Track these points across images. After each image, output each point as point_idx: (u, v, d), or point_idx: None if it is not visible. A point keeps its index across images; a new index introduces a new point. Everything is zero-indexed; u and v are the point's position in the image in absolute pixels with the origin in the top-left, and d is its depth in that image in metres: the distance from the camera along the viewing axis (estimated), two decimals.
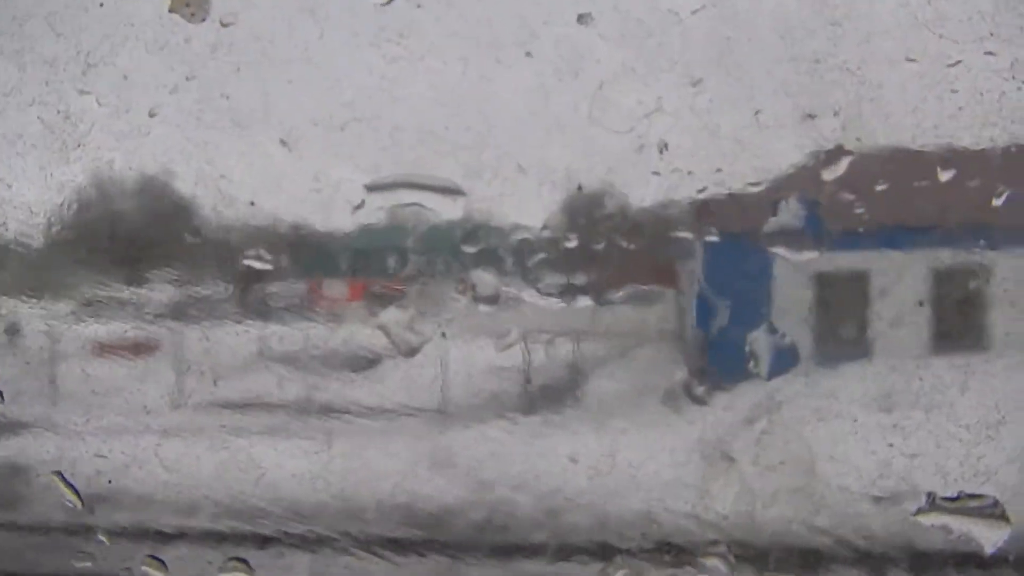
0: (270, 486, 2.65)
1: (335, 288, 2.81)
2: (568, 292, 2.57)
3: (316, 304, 2.79)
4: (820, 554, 2.31)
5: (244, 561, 2.66)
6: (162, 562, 2.68)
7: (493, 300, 2.54)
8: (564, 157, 2.48)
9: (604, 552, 2.41)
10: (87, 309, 2.77)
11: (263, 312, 2.71)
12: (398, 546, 2.60)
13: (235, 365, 2.73)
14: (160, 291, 2.72)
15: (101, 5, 2.55)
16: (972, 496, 2.16)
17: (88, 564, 2.72)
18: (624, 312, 2.64)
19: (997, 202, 2.25)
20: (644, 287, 2.64)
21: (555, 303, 2.55)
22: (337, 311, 2.75)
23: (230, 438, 2.70)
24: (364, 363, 2.67)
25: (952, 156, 2.29)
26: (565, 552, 2.52)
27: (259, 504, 2.65)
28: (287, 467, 2.67)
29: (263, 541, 2.67)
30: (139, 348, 2.79)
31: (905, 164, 2.35)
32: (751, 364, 2.41)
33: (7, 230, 2.71)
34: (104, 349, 2.80)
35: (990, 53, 2.27)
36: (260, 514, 2.64)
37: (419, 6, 2.47)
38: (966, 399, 2.32)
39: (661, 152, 2.41)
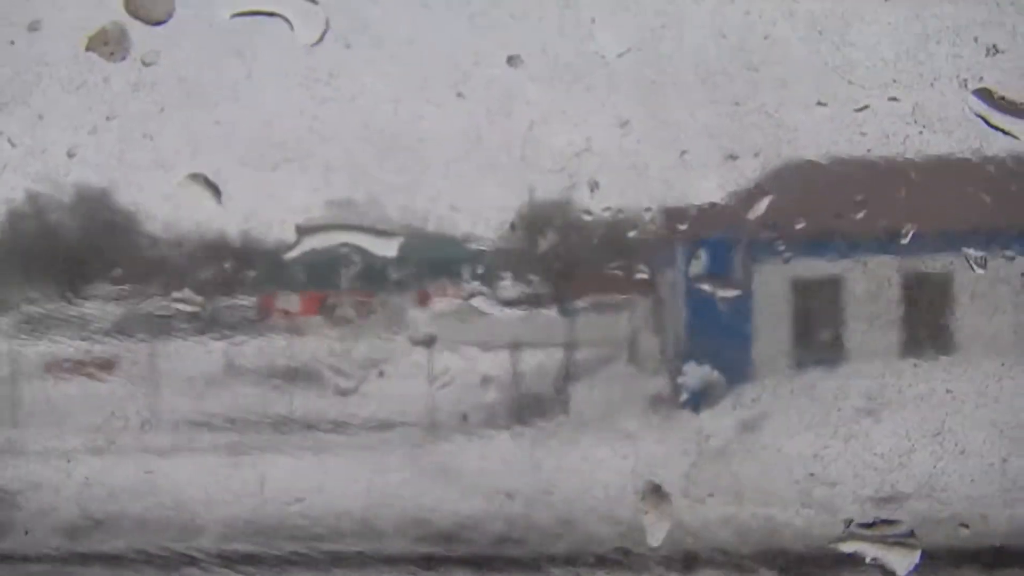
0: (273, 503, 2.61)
1: (289, 302, 2.77)
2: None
3: (269, 318, 2.75)
4: None
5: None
6: None
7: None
8: (497, 196, 2.52)
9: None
10: (26, 326, 2.66)
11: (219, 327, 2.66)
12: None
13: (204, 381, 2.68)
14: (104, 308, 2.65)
15: (12, 43, 2.43)
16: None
17: None
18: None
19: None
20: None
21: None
22: (293, 325, 2.72)
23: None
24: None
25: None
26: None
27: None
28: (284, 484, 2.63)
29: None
30: (98, 365, 2.69)
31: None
32: None
33: None
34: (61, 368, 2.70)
35: (894, 98, 2.43)
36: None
37: (348, 46, 2.46)
38: None
39: (592, 191, 2.49)
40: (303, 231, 2.50)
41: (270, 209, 2.51)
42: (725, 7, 2.45)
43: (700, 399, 2.54)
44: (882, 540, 2.22)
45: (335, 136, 2.49)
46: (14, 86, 2.46)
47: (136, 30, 2.41)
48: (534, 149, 2.48)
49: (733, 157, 2.47)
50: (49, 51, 2.43)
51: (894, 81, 2.43)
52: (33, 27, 2.43)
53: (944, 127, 2.40)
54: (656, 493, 2.45)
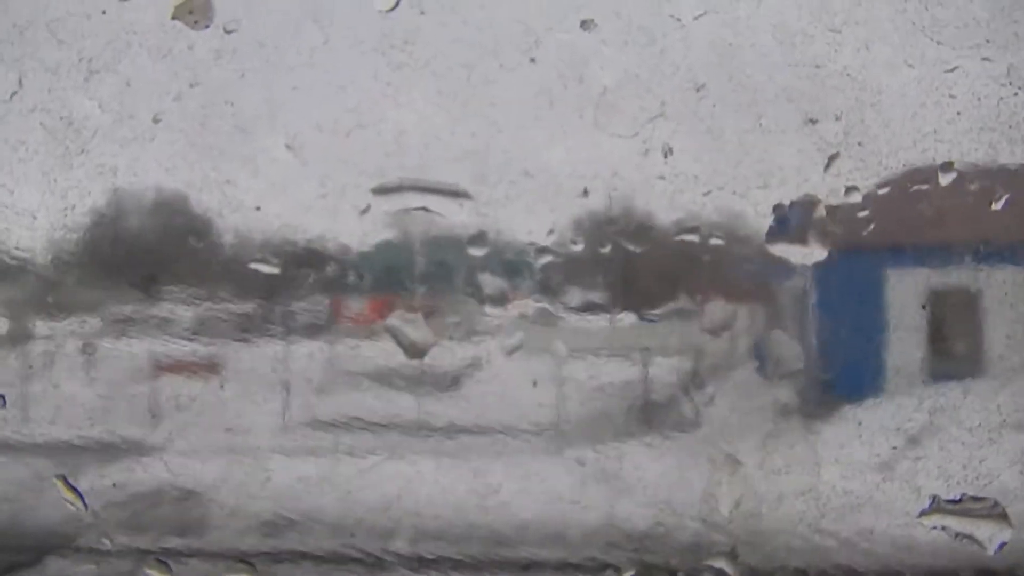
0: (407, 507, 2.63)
1: (356, 306, 2.79)
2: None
3: (337, 321, 2.77)
4: None
5: (249, 563, 2.69)
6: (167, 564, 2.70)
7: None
8: (569, 162, 2.50)
9: None
10: (117, 326, 2.76)
11: (293, 329, 2.71)
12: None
13: (316, 384, 2.72)
14: (184, 308, 2.71)
15: (103, 12, 2.54)
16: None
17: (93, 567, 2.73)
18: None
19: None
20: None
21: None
22: (363, 328, 2.74)
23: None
24: (447, 381, 2.66)
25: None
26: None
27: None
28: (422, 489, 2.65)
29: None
30: (201, 367, 2.76)
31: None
32: None
33: (10, 236, 2.70)
34: (166, 368, 2.77)
35: (987, 59, 2.32)
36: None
37: (423, 13, 2.49)
38: None
39: (666, 156, 2.45)
40: (377, 192, 2.54)
41: (344, 173, 2.55)
42: None
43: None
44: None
45: (409, 101, 2.52)
46: (105, 54, 2.57)
47: None
48: (607, 114, 2.46)
49: (813, 121, 2.39)
50: (137, 20, 2.54)
51: (987, 41, 2.32)
52: None
53: None
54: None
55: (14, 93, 2.61)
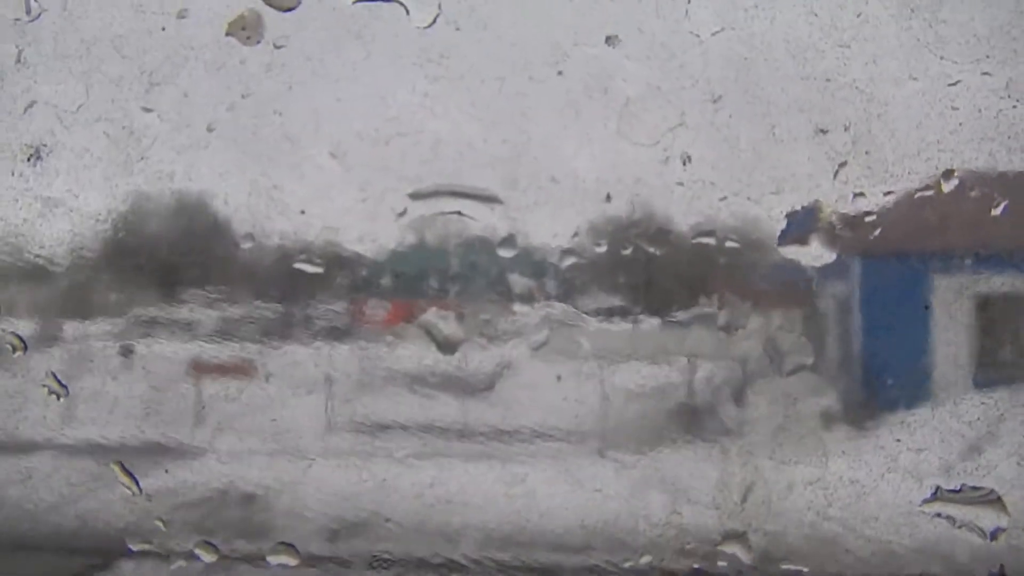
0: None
1: (379, 308, 2.90)
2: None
3: (359, 324, 2.90)
4: None
5: (290, 544, 2.83)
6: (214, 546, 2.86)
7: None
8: (594, 168, 2.67)
9: None
10: (157, 328, 2.91)
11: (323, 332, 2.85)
12: None
13: (355, 386, 2.82)
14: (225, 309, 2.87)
15: (163, 29, 2.73)
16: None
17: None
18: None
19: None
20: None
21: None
22: (386, 331, 2.87)
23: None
24: (482, 383, 2.75)
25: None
26: None
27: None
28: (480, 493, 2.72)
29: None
30: (236, 370, 2.88)
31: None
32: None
33: (75, 235, 2.90)
34: (203, 369, 2.89)
35: (987, 73, 2.47)
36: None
37: (458, 29, 2.66)
38: None
39: (684, 164, 2.61)
40: (414, 197, 2.72)
41: (384, 178, 2.72)
42: None
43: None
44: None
45: (444, 112, 2.69)
46: (164, 68, 2.76)
47: (270, 16, 2.69)
48: (629, 124, 2.62)
49: (823, 131, 2.54)
50: (194, 36, 2.73)
51: (987, 56, 2.47)
52: (181, 15, 2.74)
53: None
54: None
55: (80, 104, 2.81)
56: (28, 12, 2.78)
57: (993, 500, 2.39)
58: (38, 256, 2.91)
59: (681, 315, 2.72)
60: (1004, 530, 2.39)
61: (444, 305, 2.75)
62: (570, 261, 2.72)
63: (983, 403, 2.52)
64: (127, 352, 2.96)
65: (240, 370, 2.91)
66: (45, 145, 2.84)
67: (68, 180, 2.85)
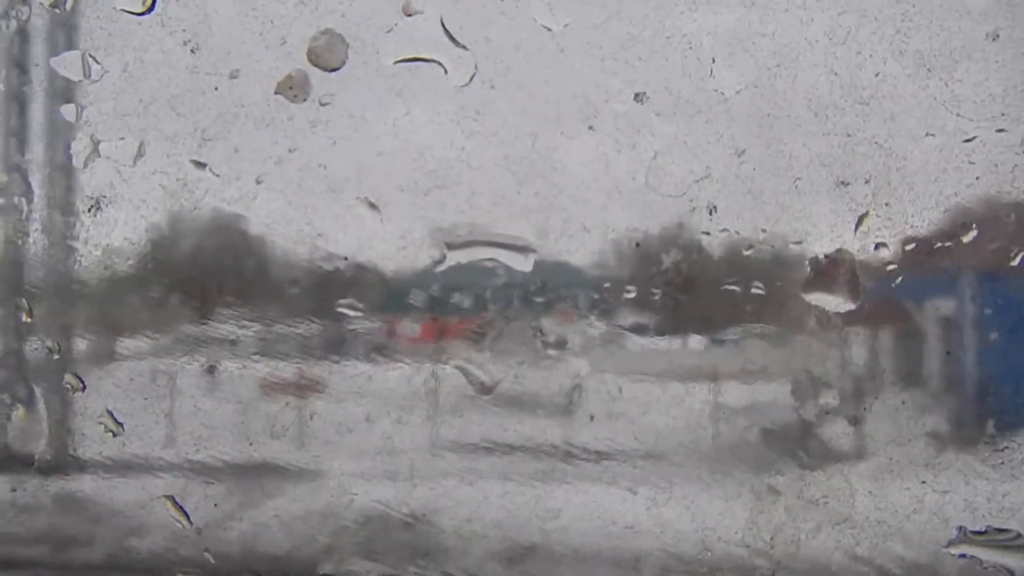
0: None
1: (410, 328, 3.05)
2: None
3: (392, 342, 3.04)
4: None
5: None
6: None
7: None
8: (623, 219, 2.79)
9: None
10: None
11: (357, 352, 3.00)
12: None
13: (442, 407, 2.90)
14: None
15: (216, 89, 2.90)
16: None
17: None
18: None
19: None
20: None
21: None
22: (416, 349, 3.00)
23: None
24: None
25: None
26: None
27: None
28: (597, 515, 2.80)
29: None
30: (309, 387, 3.02)
31: None
32: None
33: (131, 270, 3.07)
34: (276, 388, 3.02)
35: (1002, 130, 2.57)
36: None
37: (493, 87, 2.80)
38: None
39: (711, 214, 2.72)
40: (451, 247, 2.85)
41: (422, 228, 2.87)
42: (837, 47, 2.64)
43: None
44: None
45: (480, 165, 2.83)
46: (217, 124, 2.93)
47: (316, 76, 2.85)
48: (657, 176, 2.74)
49: (844, 184, 2.65)
50: (245, 95, 2.89)
51: (1002, 114, 2.57)
52: (233, 75, 2.91)
53: None
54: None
55: (138, 159, 2.98)
56: (88, 75, 2.96)
57: None
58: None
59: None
60: None
61: (480, 348, 2.88)
62: (601, 307, 2.84)
63: None
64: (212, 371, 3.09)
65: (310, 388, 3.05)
66: (105, 196, 3.02)
67: (126, 229, 3.02)
